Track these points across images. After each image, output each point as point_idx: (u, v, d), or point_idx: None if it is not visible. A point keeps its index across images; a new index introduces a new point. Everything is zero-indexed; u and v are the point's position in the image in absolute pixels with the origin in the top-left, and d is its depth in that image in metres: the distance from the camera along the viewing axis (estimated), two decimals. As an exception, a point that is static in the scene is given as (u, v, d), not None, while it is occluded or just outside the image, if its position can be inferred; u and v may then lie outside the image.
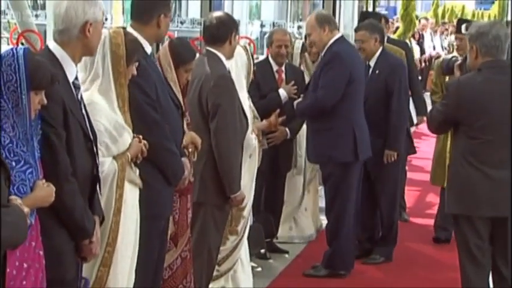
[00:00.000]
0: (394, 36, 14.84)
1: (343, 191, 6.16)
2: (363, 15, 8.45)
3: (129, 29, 4.27)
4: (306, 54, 7.32)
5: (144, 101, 4.12)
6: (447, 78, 6.94)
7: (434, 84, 7.38)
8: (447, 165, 6.94)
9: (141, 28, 4.28)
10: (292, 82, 6.61)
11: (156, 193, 4.20)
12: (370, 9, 13.39)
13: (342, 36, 6.23)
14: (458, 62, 5.59)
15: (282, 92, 6.57)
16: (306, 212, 7.35)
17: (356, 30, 6.85)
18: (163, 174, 4.26)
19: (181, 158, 4.40)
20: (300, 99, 6.29)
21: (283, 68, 6.76)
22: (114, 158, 3.84)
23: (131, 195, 3.94)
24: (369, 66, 6.61)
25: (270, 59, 6.75)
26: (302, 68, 7.20)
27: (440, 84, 7.19)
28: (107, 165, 3.79)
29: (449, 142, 6.98)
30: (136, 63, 3.99)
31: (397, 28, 18.31)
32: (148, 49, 4.31)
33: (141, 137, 3.97)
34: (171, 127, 4.27)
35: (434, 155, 7.36)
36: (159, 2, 4.35)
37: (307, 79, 6.87)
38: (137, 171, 3.99)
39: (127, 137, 3.90)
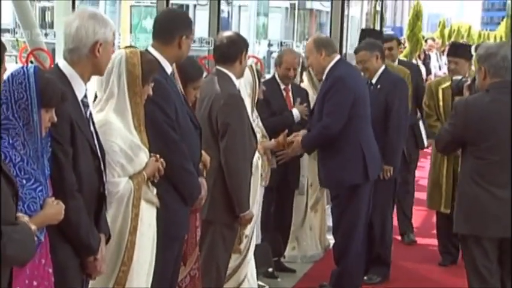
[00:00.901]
0: (401, 56, 14.83)
1: (352, 211, 6.10)
2: (364, 33, 8.44)
3: (150, 49, 4.30)
4: (313, 73, 7.33)
5: (163, 121, 4.14)
6: (441, 101, 6.91)
7: (427, 106, 7.16)
8: (443, 189, 6.97)
9: (162, 48, 4.31)
10: (306, 104, 6.67)
11: (173, 213, 4.20)
12: (377, 27, 13.42)
13: (341, 59, 6.18)
14: (468, 82, 5.59)
15: (296, 112, 6.61)
16: (310, 232, 7.31)
17: (356, 51, 6.81)
18: (180, 194, 4.27)
19: (198, 178, 4.42)
20: (304, 132, 6.21)
21: (289, 86, 6.82)
22: (130, 177, 3.86)
23: (148, 214, 3.96)
24: (371, 84, 6.61)
25: (277, 78, 6.78)
26: (303, 85, 7.23)
27: (434, 106, 7.09)
28: (122, 184, 3.82)
29: (445, 167, 6.98)
30: (152, 84, 4.01)
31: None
32: (169, 69, 4.32)
33: (158, 156, 3.98)
34: (189, 147, 4.28)
35: (429, 180, 7.29)
36: (181, 23, 4.38)
37: (311, 97, 6.93)
38: (154, 190, 4.00)
39: (143, 156, 3.92)
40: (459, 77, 6.22)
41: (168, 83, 4.24)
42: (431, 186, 7.25)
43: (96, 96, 4.05)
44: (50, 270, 3.20)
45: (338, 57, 6.12)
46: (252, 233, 5.49)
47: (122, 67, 3.91)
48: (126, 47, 4.14)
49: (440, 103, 6.96)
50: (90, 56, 3.53)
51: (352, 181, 6.04)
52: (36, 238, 2.99)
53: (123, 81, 3.91)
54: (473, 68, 7.40)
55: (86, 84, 3.58)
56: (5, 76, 3.07)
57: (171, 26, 4.34)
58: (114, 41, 3.68)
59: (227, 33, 5.25)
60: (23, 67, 3.22)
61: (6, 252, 2.60)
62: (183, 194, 4.29)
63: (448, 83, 6.92)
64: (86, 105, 3.55)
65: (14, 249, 2.65)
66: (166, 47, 4.31)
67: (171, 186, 4.17)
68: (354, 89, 5.98)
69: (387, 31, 20.82)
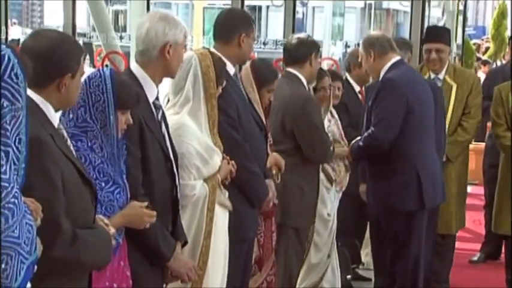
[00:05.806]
0: (485, 57, 14.14)
1: (407, 245, 5.13)
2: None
3: (212, 51, 4.26)
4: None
5: (224, 121, 4.07)
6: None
7: (495, 114, 6.11)
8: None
9: (223, 48, 4.25)
10: None
11: (239, 215, 4.13)
12: (460, 27, 13.05)
13: (401, 60, 5.16)
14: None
15: None
16: None
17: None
18: (246, 196, 4.21)
19: (266, 180, 4.34)
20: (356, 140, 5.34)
21: (363, 88, 6.51)
22: (205, 180, 3.83)
23: (221, 218, 3.92)
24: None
25: (350, 79, 6.52)
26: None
27: (503, 114, 6.07)
28: (198, 188, 3.79)
29: None
30: (224, 83, 3.97)
31: (487, 48, 17.84)
32: (231, 70, 4.27)
33: (228, 158, 3.94)
34: (253, 148, 4.22)
35: (496, 197, 6.22)
36: (240, 21, 4.33)
37: None
38: (226, 193, 3.96)
39: (217, 159, 3.89)
40: None
41: (230, 83, 4.16)
42: (498, 205, 6.16)
43: (167, 99, 4.04)
44: (128, 273, 3.19)
45: (396, 58, 5.11)
46: (311, 239, 5.38)
47: (197, 70, 3.87)
48: (196, 50, 4.11)
49: None
50: (160, 58, 3.50)
51: (405, 207, 5.07)
52: (114, 241, 2.99)
53: (198, 84, 3.87)
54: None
55: (157, 86, 3.56)
56: (82, 79, 3.08)
57: (230, 25, 4.29)
58: (186, 43, 3.65)
59: (297, 35, 5.21)
60: (99, 70, 3.22)
61: (81, 257, 2.60)
62: (249, 196, 4.22)
63: None
64: (158, 108, 3.53)
65: (89, 254, 2.64)
66: (227, 47, 4.26)
67: (236, 188, 4.09)
68: (408, 94, 4.98)
69: (469, 31, 20.31)
